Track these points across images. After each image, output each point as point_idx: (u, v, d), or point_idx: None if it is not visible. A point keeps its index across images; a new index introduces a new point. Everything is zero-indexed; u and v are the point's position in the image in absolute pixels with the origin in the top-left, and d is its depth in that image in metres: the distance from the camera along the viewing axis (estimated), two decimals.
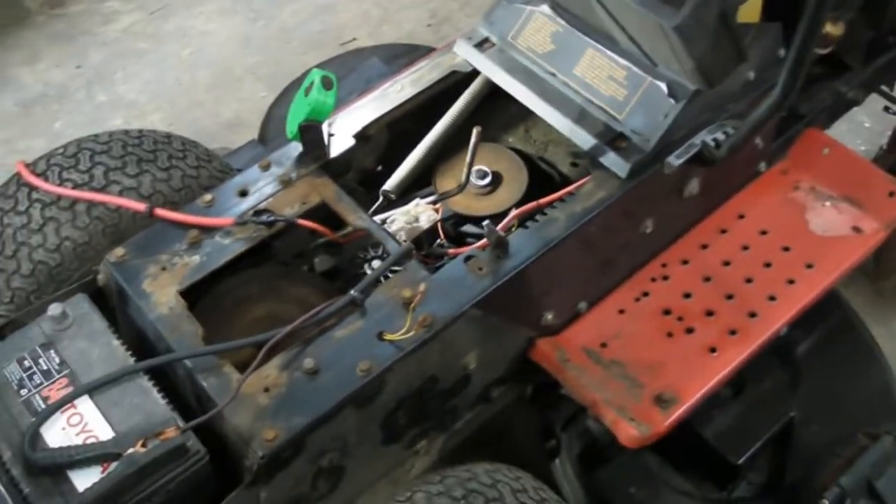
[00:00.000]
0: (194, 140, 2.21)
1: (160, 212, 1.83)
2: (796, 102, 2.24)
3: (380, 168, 2.14)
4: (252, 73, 3.56)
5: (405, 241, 1.82)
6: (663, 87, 1.84)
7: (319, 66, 3.06)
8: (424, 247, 1.90)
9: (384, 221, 1.91)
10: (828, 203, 2.19)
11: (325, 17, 3.75)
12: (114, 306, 1.80)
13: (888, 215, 2.15)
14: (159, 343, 1.68)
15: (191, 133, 3.32)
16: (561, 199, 1.85)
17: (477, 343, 1.78)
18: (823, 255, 2.10)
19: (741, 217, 2.17)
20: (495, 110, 2.20)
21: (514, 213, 1.87)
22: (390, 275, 1.75)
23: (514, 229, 1.86)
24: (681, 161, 1.82)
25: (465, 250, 1.82)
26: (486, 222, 1.72)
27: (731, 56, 1.72)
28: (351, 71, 2.89)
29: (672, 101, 1.83)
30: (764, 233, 2.15)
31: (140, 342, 1.73)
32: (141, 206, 1.84)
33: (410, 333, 1.63)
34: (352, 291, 1.67)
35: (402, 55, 3.02)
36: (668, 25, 1.56)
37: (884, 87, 2.54)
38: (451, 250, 1.87)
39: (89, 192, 1.92)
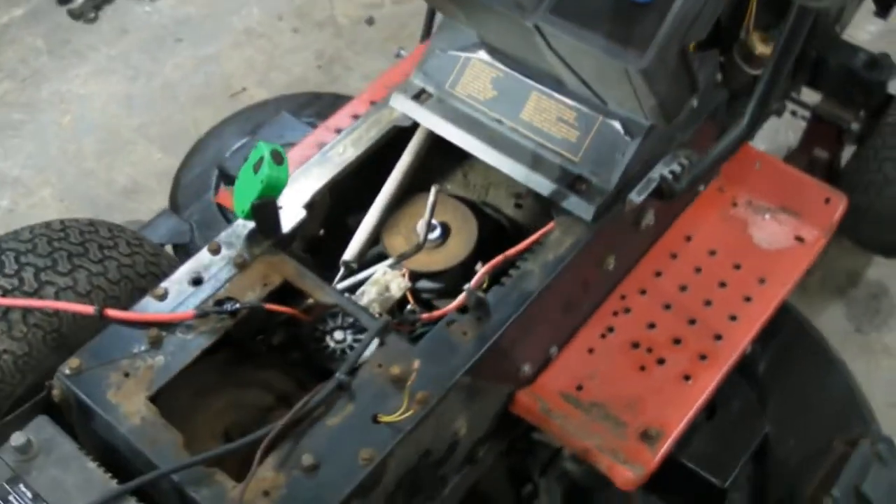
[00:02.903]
0: (119, 224, 2.07)
1: (112, 312, 1.69)
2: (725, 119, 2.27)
3: (322, 232, 2.07)
4: (141, 134, 3.39)
5: (379, 312, 1.75)
6: (617, 125, 1.83)
7: (222, 123, 2.96)
8: (395, 314, 1.83)
9: (347, 291, 1.83)
10: (767, 216, 2.22)
11: (209, 68, 3.62)
12: (71, 422, 1.66)
13: (826, 221, 2.20)
14: (136, 458, 1.55)
15: (86, 205, 3.17)
16: (529, 249, 1.82)
17: (465, 408, 1.73)
18: (773, 269, 2.13)
19: (688, 239, 2.18)
20: (431, 158, 2.14)
21: (483, 269, 1.81)
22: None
23: (484, 285, 1.81)
24: (642, 197, 1.81)
25: (438, 314, 1.77)
26: (466, 286, 1.67)
27: (687, 89, 1.72)
28: (258, 126, 2.79)
29: (628, 138, 1.82)
30: (713, 253, 2.16)
31: (109, 458, 1.60)
32: (89, 309, 1.70)
33: (409, 413, 1.56)
34: (337, 374, 1.59)
35: (308, 105, 2.94)
36: (633, 69, 1.55)
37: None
38: (424, 315, 1.81)
39: (24, 299, 1.78)
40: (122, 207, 3.12)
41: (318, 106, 2.92)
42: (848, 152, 2.82)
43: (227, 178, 2.67)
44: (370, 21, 3.81)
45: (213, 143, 2.87)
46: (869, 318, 2.91)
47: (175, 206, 2.72)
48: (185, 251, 2.63)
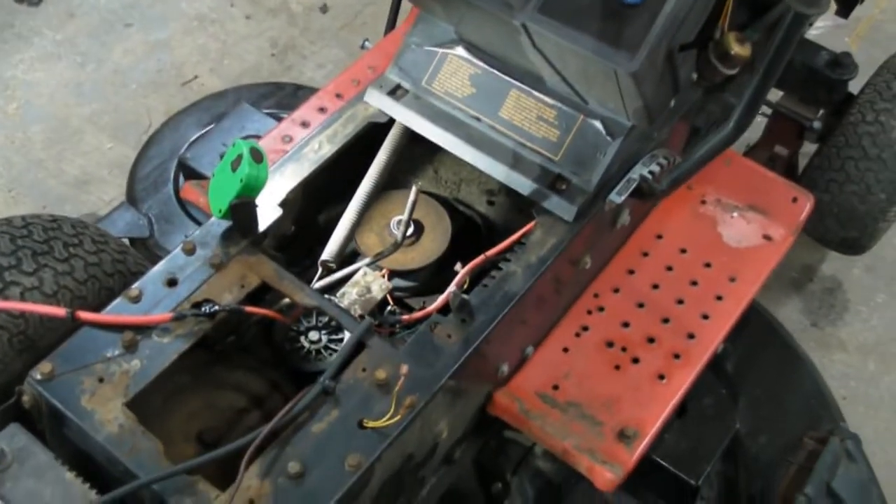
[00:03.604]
0: (81, 220, 2.00)
1: (85, 315, 1.63)
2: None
3: (293, 228, 2.02)
4: (91, 122, 3.29)
5: (360, 314, 1.72)
6: (598, 124, 1.81)
7: (180, 114, 2.89)
8: (375, 315, 1.80)
9: (325, 291, 1.80)
10: (735, 214, 2.24)
11: (160, 55, 3.52)
12: (41, 428, 1.60)
13: (793, 220, 2.22)
14: (114, 467, 1.51)
15: (36, 196, 3.07)
16: (510, 249, 1.80)
17: (448, 410, 1.71)
18: (743, 267, 2.14)
19: (659, 237, 2.19)
20: (401, 155, 2.11)
21: (464, 269, 1.79)
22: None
23: (465, 286, 1.79)
24: (623, 197, 1.81)
25: (419, 315, 1.74)
26: (450, 288, 1.65)
27: (670, 90, 1.72)
28: (217, 117, 2.72)
29: (609, 138, 1.81)
30: (683, 251, 2.17)
31: (83, 466, 1.55)
32: (60, 311, 1.64)
33: (396, 418, 1.53)
34: (321, 379, 1.56)
35: (269, 95, 2.88)
36: (624, 71, 1.54)
37: None
38: (405, 317, 1.78)
39: None
40: (74, 199, 3.03)
41: (278, 96, 2.87)
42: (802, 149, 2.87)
43: (187, 171, 2.61)
44: (324, 9, 3.75)
45: (171, 134, 2.80)
46: (824, 313, 2.95)
47: (132, 199, 2.64)
48: (143, 245, 2.56)
